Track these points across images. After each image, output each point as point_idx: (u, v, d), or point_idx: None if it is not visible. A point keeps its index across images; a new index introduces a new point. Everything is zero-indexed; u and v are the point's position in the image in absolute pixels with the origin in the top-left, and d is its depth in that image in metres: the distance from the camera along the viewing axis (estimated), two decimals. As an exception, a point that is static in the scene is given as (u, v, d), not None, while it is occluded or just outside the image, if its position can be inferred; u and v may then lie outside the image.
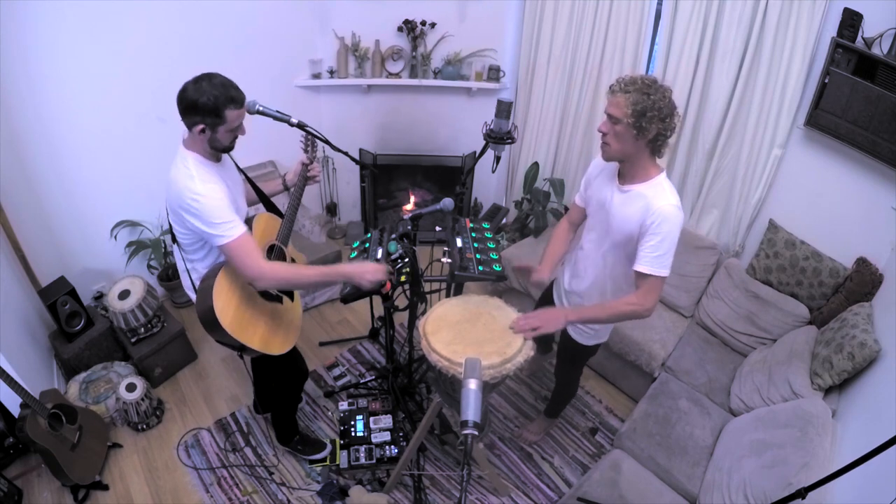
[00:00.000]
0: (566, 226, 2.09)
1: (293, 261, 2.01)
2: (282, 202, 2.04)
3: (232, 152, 1.80)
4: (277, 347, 1.85)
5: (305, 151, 1.94)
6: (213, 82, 1.51)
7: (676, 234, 1.56)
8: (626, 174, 1.67)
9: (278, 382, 2.20)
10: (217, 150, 1.68)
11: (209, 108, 1.50)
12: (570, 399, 2.52)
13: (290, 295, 1.99)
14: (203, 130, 1.55)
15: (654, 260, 1.57)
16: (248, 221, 1.85)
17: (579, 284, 1.96)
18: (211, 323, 1.66)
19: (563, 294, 2.09)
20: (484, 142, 2.13)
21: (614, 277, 1.83)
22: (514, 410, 2.77)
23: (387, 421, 2.44)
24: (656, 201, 1.56)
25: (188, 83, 1.52)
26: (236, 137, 1.68)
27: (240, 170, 1.91)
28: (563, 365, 2.32)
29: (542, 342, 2.70)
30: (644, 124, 1.49)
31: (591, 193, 1.86)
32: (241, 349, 1.76)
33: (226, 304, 1.68)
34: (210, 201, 1.55)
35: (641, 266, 1.60)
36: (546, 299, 2.24)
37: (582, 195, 1.96)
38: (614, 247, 1.75)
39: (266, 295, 1.85)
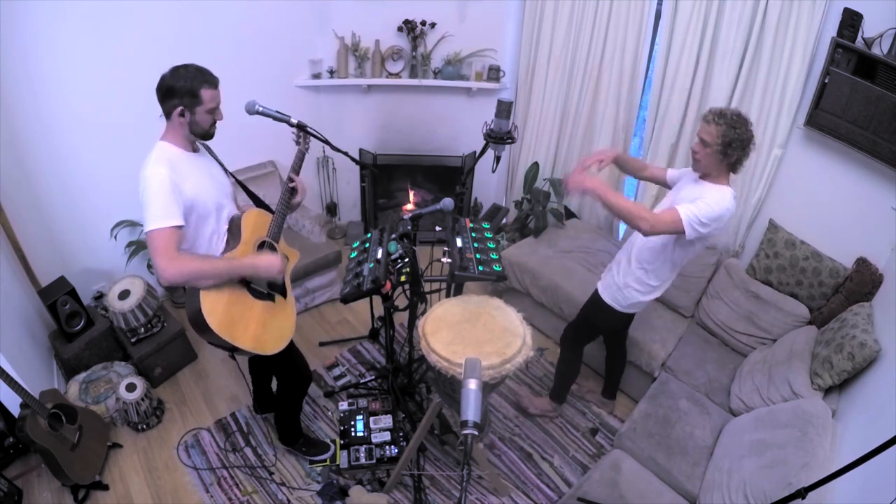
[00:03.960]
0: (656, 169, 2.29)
1: (286, 257, 2.01)
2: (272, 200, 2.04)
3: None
4: (271, 346, 1.82)
5: (297, 143, 1.95)
6: (188, 68, 1.61)
7: (714, 207, 1.83)
8: (704, 175, 1.97)
9: (279, 383, 2.20)
10: (198, 135, 1.71)
11: (186, 89, 1.59)
12: (573, 379, 2.60)
13: (283, 292, 1.97)
14: (182, 113, 1.62)
15: (688, 208, 1.83)
16: (238, 217, 1.85)
17: (625, 258, 2.19)
18: (199, 324, 1.65)
19: (615, 261, 2.28)
20: (484, 142, 2.13)
21: (644, 249, 2.09)
22: (514, 410, 2.77)
23: (387, 421, 2.44)
24: (718, 191, 1.88)
25: (164, 73, 1.61)
26: (215, 123, 1.71)
27: (224, 167, 1.91)
28: (571, 322, 2.47)
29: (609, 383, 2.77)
30: (729, 152, 1.82)
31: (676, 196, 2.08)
32: (232, 350, 1.74)
33: (214, 305, 1.66)
34: (152, 184, 1.57)
35: (679, 206, 1.86)
36: None
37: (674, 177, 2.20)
38: None
39: (256, 293, 1.82)
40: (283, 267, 1.82)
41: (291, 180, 1.93)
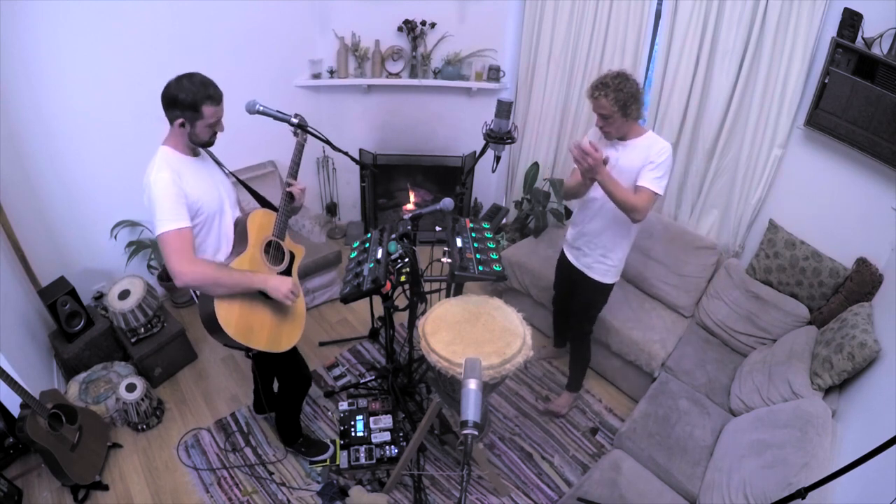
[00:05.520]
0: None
1: (292, 254, 2.02)
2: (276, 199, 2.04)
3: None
4: (285, 344, 1.86)
5: (296, 135, 1.96)
6: (192, 80, 1.60)
7: (671, 166, 2.06)
8: (622, 137, 2.12)
9: (282, 382, 2.20)
10: (196, 145, 1.73)
11: (188, 103, 1.59)
12: (588, 364, 2.70)
13: None
14: (183, 125, 1.63)
15: (655, 180, 2.02)
16: (244, 219, 1.86)
17: (589, 236, 2.31)
18: (215, 328, 1.68)
19: (572, 250, 2.44)
20: (484, 142, 2.13)
21: (619, 221, 2.17)
22: (514, 410, 2.77)
23: (387, 421, 2.44)
24: (655, 143, 2.05)
25: (171, 81, 1.61)
26: (215, 134, 1.73)
27: (223, 167, 1.92)
28: (581, 314, 2.54)
29: (559, 337, 2.98)
30: (628, 111, 1.97)
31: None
32: (247, 349, 1.79)
33: (229, 310, 1.69)
34: (158, 188, 1.58)
35: (644, 182, 2.02)
36: (561, 272, 2.62)
37: None
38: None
39: (267, 294, 1.85)
40: (288, 292, 1.79)
41: (289, 184, 1.94)
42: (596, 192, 2.19)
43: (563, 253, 2.54)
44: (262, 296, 1.82)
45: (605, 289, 2.39)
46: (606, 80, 1.96)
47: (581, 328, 2.57)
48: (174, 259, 1.57)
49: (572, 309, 2.57)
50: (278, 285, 1.77)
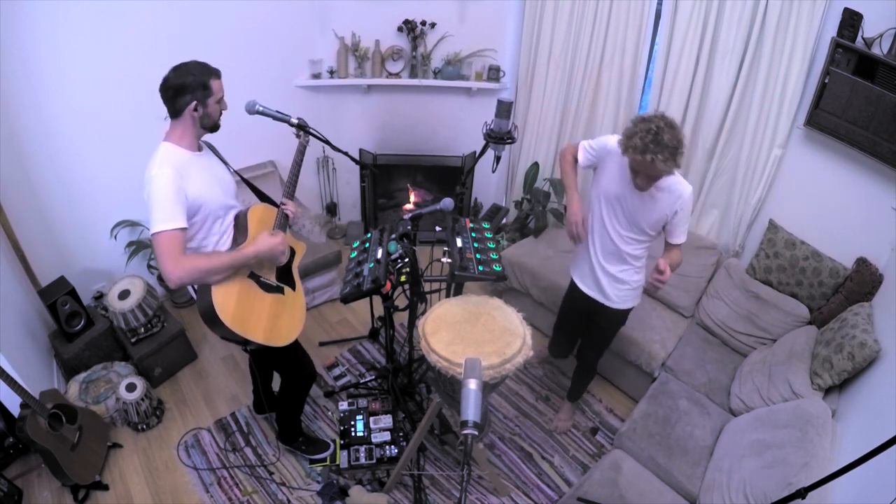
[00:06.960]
0: (573, 162, 2.20)
1: (292, 250, 2.02)
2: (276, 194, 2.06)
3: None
4: (283, 338, 1.86)
5: (298, 137, 1.97)
6: (189, 65, 1.63)
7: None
8: None
9: (283, 379, 2.20)
10: (208, 128, 1.73)
11: (197, 83, 1.61)
12: (592, 379, 2.65)
13: (292, 284, 1.99)
14: (196, 108, 1.64)
15: (685, 232, 2.04)
16: (244, 212, 1.86)
17: (604, 268, 2.18)
18: (212, 320, 1.67)
19: (587, 282, 2.27)
20: (484, 142, 2.13)
21: (630, 253, 2.12)
22: (514, 410, 2.77)
23: (387, 421, 2.44)
24: (682, 188, 1.93)
25: (167, 74, 1.63)
26: (221, 113, 1.74)
27: (227, 164, 1.92)
28: (596, 342, 2.46)
29: (565, 347, 2.81)
30: (679, 165, 1.77)
31: (605, 184, 2.06)
32: (244, 343, 1.78)
33: (225, 300, 1.69)
34: (157, 185, 1.58)
35: (678, 239, 2.04)
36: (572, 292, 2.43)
37: (590, 160, 2.12)
38: (640, 232, 2.05)
39: (266, 286, 1.85)
40: (282, 243, 1.82)
41: (283, 203, 1.94)
42: (608, 229, 2.08)
43: (574, 285, 2.36)
44: (260, 287, 1.82)
45: (624, 314, 2.28)
46: (662, 138, 1.67)
47: (599, 353, 2.49)
48: (163, 261, 1.58)
49: (593, 338, 2.45)
50: (264, 243, 1.77)
